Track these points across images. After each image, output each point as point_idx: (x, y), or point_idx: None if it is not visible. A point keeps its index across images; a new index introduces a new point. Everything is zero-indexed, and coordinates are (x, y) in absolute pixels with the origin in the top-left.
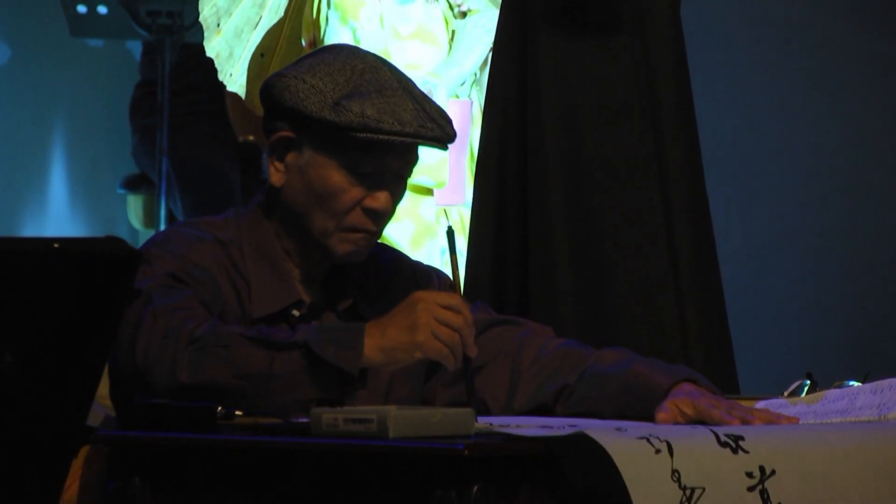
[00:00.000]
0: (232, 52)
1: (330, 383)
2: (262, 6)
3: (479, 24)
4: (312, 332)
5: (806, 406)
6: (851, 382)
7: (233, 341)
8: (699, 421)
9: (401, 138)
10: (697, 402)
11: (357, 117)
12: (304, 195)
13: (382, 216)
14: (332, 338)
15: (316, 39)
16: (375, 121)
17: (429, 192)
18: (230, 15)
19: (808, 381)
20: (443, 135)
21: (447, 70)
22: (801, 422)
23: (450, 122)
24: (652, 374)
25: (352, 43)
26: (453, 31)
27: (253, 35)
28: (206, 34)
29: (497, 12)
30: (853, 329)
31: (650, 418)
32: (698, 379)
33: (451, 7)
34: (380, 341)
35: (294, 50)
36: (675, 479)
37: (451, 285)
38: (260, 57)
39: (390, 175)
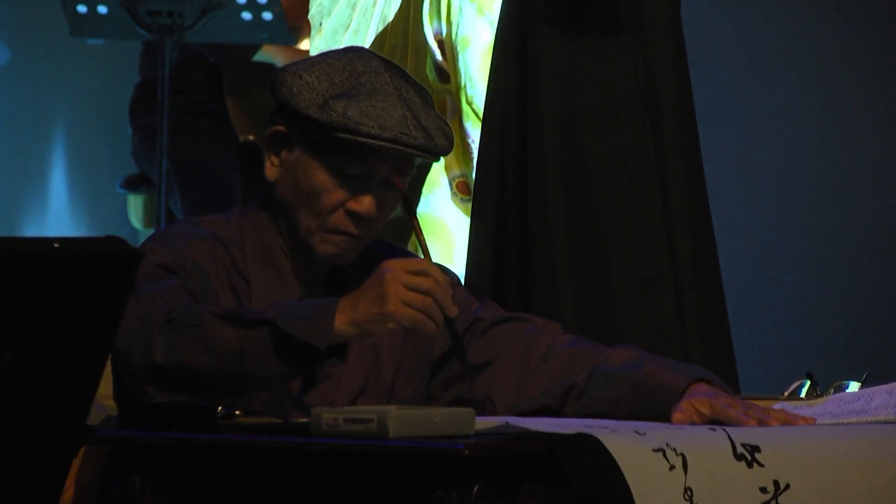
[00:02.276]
0: None
1: (299, 359)
2: (353, 7)
3: None
4: (281, 308)
5: (822, 407)
6: (851, 383)
7: (203, 320)
8: (716, 421)
9: (379, 142)
10: (714, 402)
11: (339, 117)
12: (292, 192)
13: (367, 221)
14: (300, 313)
15: (445, 32)
16: (356, 122)
17: None
18: (330, 15)
19: (808, 381)
20: (428, 144)
21: None
22: (817, 422)
23: (446, 135)
24: (666, 374)
25: (490, 34)
26: None
27: (345, 37)
28: (311, 32)
29: None
30: (853, 329)
31: (665, 419)
32: (712, 379)
33: None
34: (351, 315)
35: (381, 52)
36: (686, 497)
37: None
38: None
39: (377, 181)
